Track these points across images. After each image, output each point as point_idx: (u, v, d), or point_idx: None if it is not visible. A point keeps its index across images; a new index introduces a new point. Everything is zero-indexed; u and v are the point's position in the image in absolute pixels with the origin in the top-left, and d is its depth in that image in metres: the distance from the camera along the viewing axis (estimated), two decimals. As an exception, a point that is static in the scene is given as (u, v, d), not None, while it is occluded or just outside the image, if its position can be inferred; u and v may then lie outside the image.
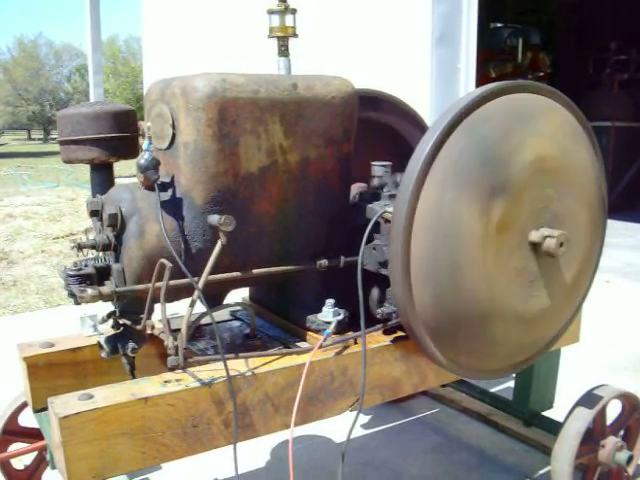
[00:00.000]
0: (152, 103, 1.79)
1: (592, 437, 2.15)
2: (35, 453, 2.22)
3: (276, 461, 2.63)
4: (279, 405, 1.66)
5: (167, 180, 1.72)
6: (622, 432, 2.28)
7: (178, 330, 1.60)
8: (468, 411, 2.84)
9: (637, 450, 2.30)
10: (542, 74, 10.21)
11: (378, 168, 1.97)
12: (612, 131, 8.54)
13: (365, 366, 1.71)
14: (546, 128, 1.73)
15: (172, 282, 1.59)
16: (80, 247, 1.69)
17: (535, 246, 1.69)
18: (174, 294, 1.69)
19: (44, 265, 6.28)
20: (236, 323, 2.11)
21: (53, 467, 2.11)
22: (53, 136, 39.23)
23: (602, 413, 2.16)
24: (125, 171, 8.43)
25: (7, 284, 5.60)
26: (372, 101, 2.19)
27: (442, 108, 1.69)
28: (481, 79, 5.22)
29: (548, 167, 1.70)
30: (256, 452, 2.62)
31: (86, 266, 1.69)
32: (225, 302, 1.97)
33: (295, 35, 1.96)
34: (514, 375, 2.59)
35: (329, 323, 1.81)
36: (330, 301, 1.84)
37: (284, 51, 1.95)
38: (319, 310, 1.85)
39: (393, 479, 2.54)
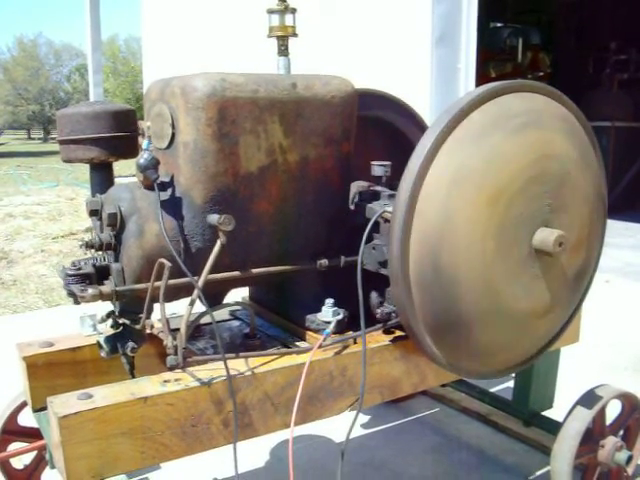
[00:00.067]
0: (152, 103, 1.79)
1: (592, 437, 2.15)
2: (34, 452, 2.21)
3: (276, 461, 2.63)
4: (279, 405, 1.66)
5: (167, 180, 1.72)
6: (622, 432, 2.28)
7: (177, 330, 1.60)
8: (468, 411, 2.84)
9: (637, 450, 2.30)
10: (542, 74, 10.22)
11: (378, 168, 1.97)
12: (612, 131, 8.54)
13: (365, 366, 1.71)
14: (547, 128, 1.73)
15: (171, 281, 1.59)
16: (88, 246, 1.69)
17: (535, 246, 1.69)
18: (173, 294, 1.69)
19: (44, 265, 6.28)
20: (235, 323, 2.11)
21: (52, 467, 2.10)
22: (53, 136, 39.22)
23: (602, 413, 2.16)
24: (125, 171, 8.43)
25: (7, 284, 5.60)
26: (372, 101, 2.19)
27: (442, 108, 1.69)
28: (481, 79, 5.21)
29: (549, 167, 1.70)
30: (255, 452, 2.62)
31: (85, 265, 1.69)
32: (224, 302, 1.97)
33: (295, 35, 1.96)
34: (514, 375, 2.59)
35: (329, 323, 1.81)
36: (330, 301, 1.84)
37: (284, 50, 1.95)
38: (319, 310, 1.85)
39: (393, 479, 2.54)
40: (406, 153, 1.68)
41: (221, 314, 2.13)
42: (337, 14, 6.45)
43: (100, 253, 1.73)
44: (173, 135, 1.70)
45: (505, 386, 3.13)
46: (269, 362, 1.67)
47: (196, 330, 1.95)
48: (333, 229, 1.93)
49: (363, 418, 2.99)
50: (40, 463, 2.23)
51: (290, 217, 1.84)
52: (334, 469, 1.70)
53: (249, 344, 1.85)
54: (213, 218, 1.65)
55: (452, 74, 5.63)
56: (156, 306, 1.65)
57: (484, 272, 1.63)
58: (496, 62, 9.94)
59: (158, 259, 1.58)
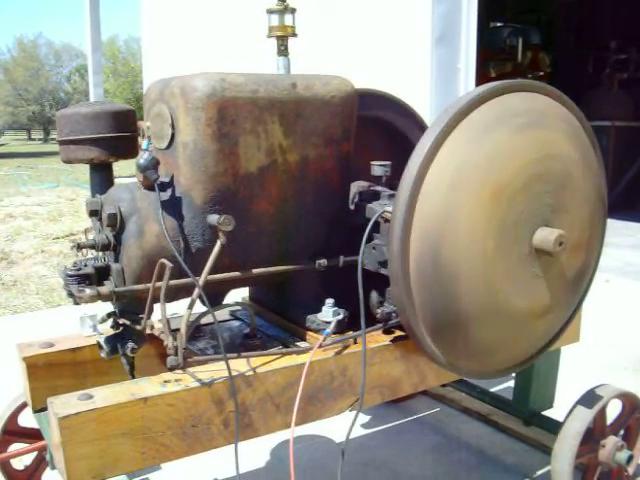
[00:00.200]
0: (151, 103, 1.79)
1: (592, 437, 2.15)
2: (35, 453, 2.21)
3: (276, 461, 2.63)
4: (279, 405, 1.66)
5: (166, 180, 1.72)
6: (622, 432, 2.28)
7: (178, 330, 1.60)
8: (468, 411, 2.84)
9: (637, 450, 2.29)
10: (542, 73, 10.22)
11: (378, 168, 1.97)
12: (612, 131, 8.54)
13: (365, 366, 1.71)
14: (547, 128, 1.73)
15: (172, 282, 1.59)
16: (80, 247, 1.69)
17: (535, 245, 1.69)
18: (173, 294, 1.69)
19: (44, 265, 6.28)
20: (236, 323, 2.11)
21: (53, 467, 2.10)
22: (53, 136, 39.25)
23: (602, 413, 2.16)
24: (125, 171, 8.44)
25: (7, 284, 5.60)
26: (372, 101, 2.19)
27: (442, 107, 1.69)
28: (481, 79, 5.21)
29: (550, 166, 1.70)
30: (256, 452, 2.62)
31: (85, 266, 1.69)
32: (225, 302, 1.97)
33: (294, 34, 1.96)
34: (514, 375, 2.59)
35: (329, 323, 1.81)
36: (330, 301, 1.84)
37: (283, 50, 1.95)
38: (319, 310, 1.85)
39: (393, 479, 2.54)
40: (406, 153, 1.68)
41: (221, 314, 2.13)
42: (337, 14, 6.45)
43: (100, 254, 1.73)
44: (173, 135, 1.70)
45: (505, 386, 3.13)
46: (269, 362, 1.67)
47: (196, 330, 1.95)
48: (333, 229, 1.93)
49: (363, 418, 2.99)
50: (40, 464, 2.23)
51: (290, 217, 1.84)
52: (334, 469, 1.70)
53: (249, 344, 1.85)
54: (213, 218, 1.65)
55: (452, 74, 5.63)
56: (156, 306, 1.65)
57: (484, 272, 1.63)
58: (496, 62, 9.95)
59: (158, 259, 1.58)
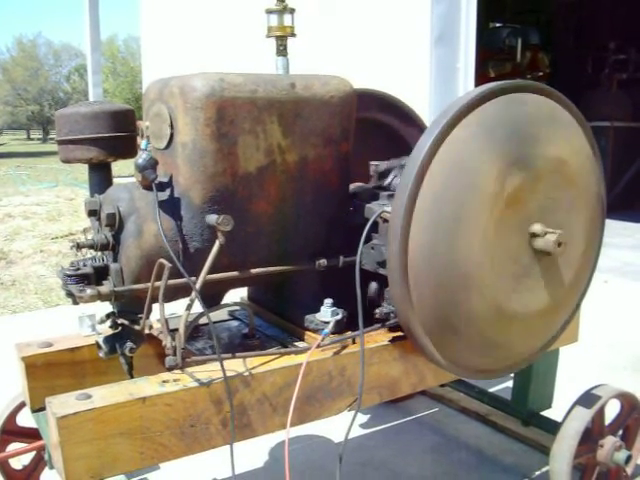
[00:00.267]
0: (150, 103, 1.79)
1: (591, 437, 2.15)
2: (33, 453, 2.21)
3: (274, 461, 2.63)
4: (277, 405, 1.66)
5: (165, 180, 1.72)
6: (621, 432, 2.28)
7: (176, 330, 1.60)
8: (467, 411, 2.84)
9: (636, 450, 2.30)
10: (541, 74, 10.21)
11: (378, 165, 1.97)
12: (611, 131, 8.54)
13: (363, 366, 1.71)
14: (546, 128, 1.73)
15: (170, 282, 1.59)
16: (79, 247, 1.69)
17: (534, 245, 1.69)
18: (172, 294, 1.69)
19: (43, 265, 6.28)
20: (234, 323, 2.11)
21: (51, 467, 2.10)
22: (52, 136, 39.23)
23: (601, 413, 2.16)
24: (124, 171, 8.44)
25: (6, 284, 5.60)
26: (371, 101, 2.19)
27: (441, 108, 1.69)
28: (480, 79, 5.22)
29: (550, 167, 1.70)
30: (254, 452, 2.62)
31: (84, 266, 1.69)
32: (223, 302, 1.97)
33: (293, 35, 1.96)
34: (512, 375, 2.59)
35: (327, 323, 1.81)
36: (328, 301, 1.84)
37: (282, 50, 1.95)
38: (317, 310, 1.85)
39: (392, 479, 2.54)
40: (405, 153, 1.68)
41: (220, 314, 2.13)
42: (336, 14, 6.45)
43: (98, 253, 1.73)
44: (172, 135, 1.70)
45: (504, 386, 3.13)
46: (267, 362, 1.67)
47: (195, 330, 1.95)
48: (332, 229, 1.93)
49: (362, 418, 2.99)
50: (39, 463, 2.23)
51: (289, 217, 1.84)
52: (333, 469, 1.70)
53: (248, 344, 1.85)
54: (212, 218, 1.65)
55: (451, 74, 5.63)
56: (155, 306, 1.65)
57: (483, 272, 1.63)
58: (495, 62, 9.94)
59: (157, 259, 1.58)
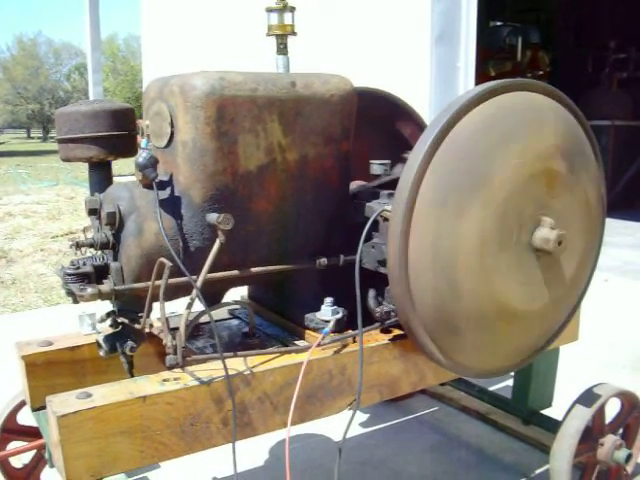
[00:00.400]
0: (150, 101, 1.79)
1: (591, 435, 2.15)
2: (34, 451, 2.21)
3: (275, 460, 2.63)
4: (278, 404, 1.66)
5: (165, 178, 1.72)
6: (621, 430, 2.28)
7: (177, 329, 1.60)
8: (467, 410, 2.84)
9: (636, 448, 2.30)
10: (541, 73, 10.22)
11: (377, 166, 1.97)
12: (611, 130, 8.54)
13: (363, 365, 1.70)
14: (547, 127, 1.73)
15: (171, 281, 1.59)
16: (79, 245, 1.69)
17: (534, 244, 1.69)
18: (172, 293, 1.69)
19: (43, 264, 6.28)
20: (235, 322, 2.11)
21: (51, 465, 2.10)
22: (52, 135, 39.26)
23: (601, 411, 2.16)
24: (125, 170, 8.45)
25: (6, 283, 5.60)
26: (371, 99, 2.19)
27: (441, 106, 1.69)
28: (480, 78, 5.22)
29: (550, 166, 1.70)
30: (255, 451, 2.62)
31: (84, 265, 1.69)
32: (224, 301, 1.97)
33: (294, 33, 1.95)
34: (513, 373, 2.59)
35: (328, 322, 1.81)
36: (329, 299, 1.84)
37: (283, 49, 1.95)
38: (318, 308, 1.85)
39: (392, 478, 2.54)
40: (405, 152, 1.68)
41: (220, 313, 2.13)
42: (336, 12, 6.45)
43: (98, 252, 1.73)
44: (172, 134, 1.70)
45: (504, 385, 3.14)
46: (268, 361, 1.67)
47: (195, 329, 1.95)
48: (332, 228, 1.93)
49: (362, 417, 2.99)
50: (39, 462, 2.23)
51: (289, 216, 1.84)
52: (332, 468, 1.70)
53: (248, 343, 1.85)
54: (212, 217, 1.65)
55: (451, 73, 5.63)
56: (155, 305, 1.65)
57: (483, 271, 1.63)
58: (495, 61, 9.95)
59: (157, 258, 1.58)
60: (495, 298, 1.67)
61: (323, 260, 1.86)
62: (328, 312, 1.83)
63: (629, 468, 2.24)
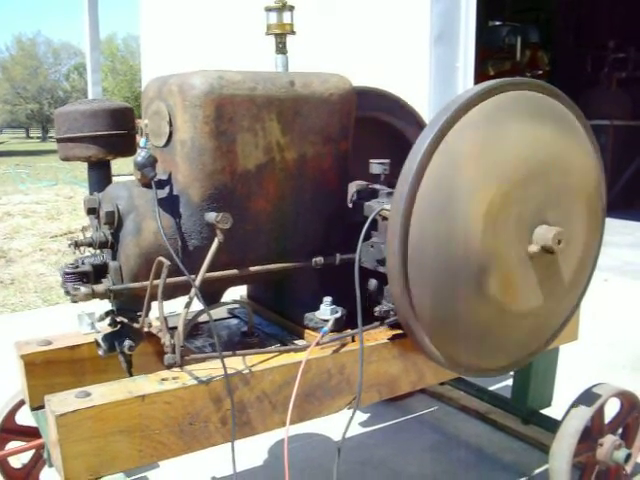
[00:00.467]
0: (149, 100, 1.78)
1: (590, 435, 2.15)
2: (32, 451, 2.21)
3: (273, 459, 2.63)
4: (276, 403, 1.66)
5: (164, 178, 1.72)
6: (620, 430, 2.28)
7: (175, 328, 1.60)
8: (466, 409, 2.84)
9: (635, 448, 2.30)
10: (540, 72, 10.23)
11: (376, 166, 1.96)
12: (611, 130, 8.55)
13: (362, 364, 1.70)
14: (546, 126, 1.73)
15: (169, 280, 1.59)
16: (77, 245, 1.69)
17: (534, 243, 1.68)
18: (171, 292, 1.69)
19: (42, 263, 6.28)
20: (234, 321, 2.11)
21: (50, 465, 2.10)
22: (51, 134, 39.27)
23: (600, 411, 2.16)
24: (124, 169, 8.44)
25: (5, 282, 5.60)
26: (370, 98, 2.19)
27: (440, 106, 1.69)
28: (479, 77, 5.21)
29: (550, 165, 1.70)
30: (254, 450, 2.62)
31: (83, 264, 1.69)
32: (223, 300, 1.97)
33: (293, 32, 1.95)
34: (512, 373, 2.59)
35: (327, 321, 1.81)
36: (328, 299, 1.84)
37: (281, 48, 1.95)
38: (317, 308, 1.85)
39: (392, 478, 2.54)
40: (404, 152, 1.67)
41: (219, 312, 2.13)
42: (336, 12, 6.45)
43: (97, 251, 1.73)
44: (171, 133, 1.70)
45: (504, 384, 3.14)
46: (267, 360, 1.67)
47: (194, 328, 1.95)
48: (331, 227, 1.93)
49: (362, 416, 2.99)
50: (38, 461, 2.23)
51: (288, 215, 1.83)
52: (331, 467, 1.70)
53: (247, 342, 1.85)
54: (211, 216, 1.65)
55: (451, 72, 5.63)
56: (154, 304, 1.65)
57: (483, 270, 1.62)
58: (495, 60, 9.96)
59: (156, 257, 1.58)
60: (495, 297, 1.66)
61: (319, 259, 1.86)
62: (327, 311, 1.83)
63: (628, 468, 2.24)
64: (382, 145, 2.23)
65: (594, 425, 2.16)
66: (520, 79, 1.77)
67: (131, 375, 1.75)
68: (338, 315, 1.83)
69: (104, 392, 1.48)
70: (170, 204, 1.69)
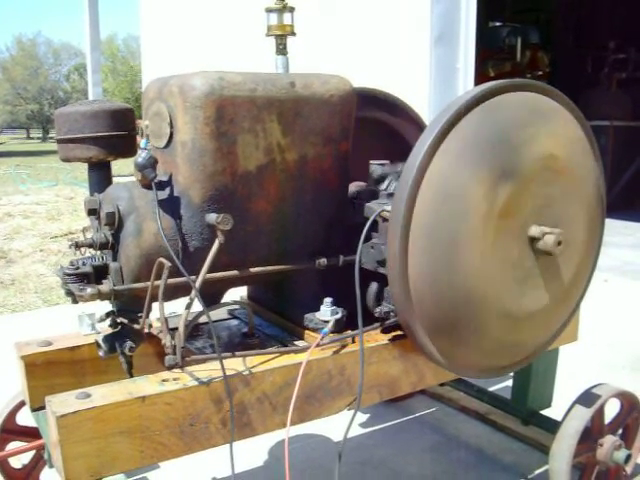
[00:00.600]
0: (150, 101, 1.79)
1: (590, 436, 2.15)
2: (33, 452, 2.21)
3: (274, 460, 2.63)
4: (277, 404, 1.66)
5: (165, 179, 1.72)
6: (620, 431, 2.28)
7: (176, 329, 1.60)
8: (466, 410, 2.84)
9: (635, 449, 2.30)
10: (541, 73, 10.23)
11: (376, 167, 1.97)
12: (611, 130, 8.54)
13: (363, 365, 1.70)
14: (546, 127, 1.73)
15: (170, 281, 1.59)
16: (78, 246, 1.69)
17: (534, 243, 1.69)
18: (171, 293, 1.69)
19: (42, 264, 6.28)
20: (234, 322, 2.11)
21: (51, 466, 2.10)
22: (52, 135, 39.27)
23: (600, 412, 2.16)
24: (124, 170, 8.45)
25: (5, 283, 5.60)
26: (370, 100, 2.19)
27: (441, 107, 1.69)
28: (480, 78, 5.22)
29: (553, 165, 1.70)
30: (255, 451, 2.62)
31: (84, 265, 1.69)
32: (223, 301, 1.97)
33: (293, 33, 1.95)
34: (512, 374, 2.59)
35: (327, 322, 1.81)
36: (328, 300, 1.84)
37: (282, 49, 1.95)
38: (317, 309, 1.85)
39: (392, 478, 2.54)
40: (405, 153, 1.67)
41: (219, 313, 2.13)
42: (336, 13, 6.45)
43: (98, 252, 1.73)
44: (171, 134, 1.70)
45: (504, 385, 3.14)
46: (267, 361, 1.67)
47: (195, 329, 1.95)
48: (332, 228, 1.93)
49: (362, 417, 2.99)
50: (39, 462, 2.23)
51: (288, 216, 1.84)
52: (332, 468, 1.70)
53: (247, 343, 1.85)
54: (211, 217, 1.65)
55: (451, 73, 5.63)
56: (155, 305, 1.65)
57: (483, 271, 1.63)
58: (495, 61, 9.95)
59: (156, 258, 1.58)
60: (495, 298, 1.67)
61: (323, 260, 1.86)
62: (327, 312, 1.83)
63: (628, 468, 2.24)
64: (382, 146, 2.23)
65: (594, 426, 2.16)
66: (520, 80, 1.77)
67: (132, 376, 1.75)
68: (338, 316, 1.83)
69: (105, 393, 1.48)
70: (171, 205, 1.69)
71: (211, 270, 1.66)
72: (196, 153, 1.66)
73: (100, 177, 1.84)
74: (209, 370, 1.59)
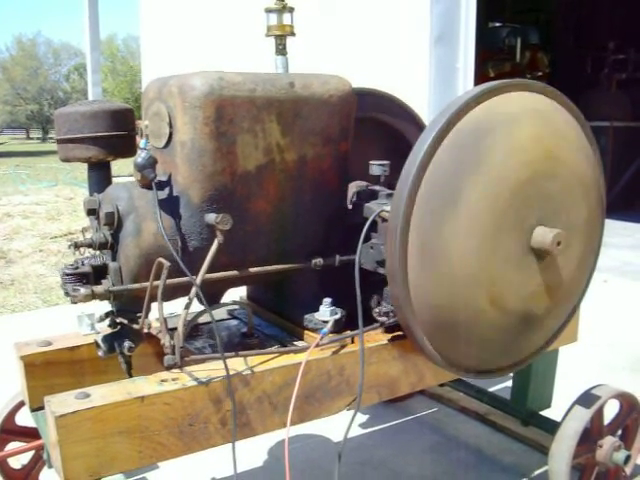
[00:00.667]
0: (149, 101, 1.79)
1: (590, 437, 2.15)
2: (32, 452, 2.21)
3: (274, 460, 2.63)
4: (276, 404, 1.66)
5: (164, 179, 1.72)
6: (620, 432, 2.28)
7: (175, 329, 1.60)
8: (466, 410, 2.84)
9: (635, 450, 2.30)
10: (540, 73, 10.22)
11: (376, 167, 1.96)
12: (610, 131, 8.54)
13: (363, 365, 1.70)
14: (546, 127, 1.73)
15: (169, 281, 1.59)
16: (77, 246, 1.69)
17: (533, 245, 1.68)
18: (171, 293, 1.69)
19: (42, 264, 6.28)
20: (233, 322, 2.11)
21: (50, 466, 2.10)
22: (51, 135, 39.25)
23: (600, 413, 2.16)
24: (124, 170, 8.45)
25: (5, 283, 5.60)
26: (370, 100, 2.19)
27: (440, 107, 1.69)
28: (479, 79, 5.21)
29: (549, 166, 1.70)
30: (253, 451, 2.62)
31: (83, 265, 1.69)
32: (222, 301, 1.97)
33: (293, 34, 1.96)
34: (512, 374, 2.59)
35: (326, 322, 1.81)
36: (327, 300, 1.84)
37: (282, 50, 1.95)
38: (316, 309, 1.85)
39: (392, 478, 2.54)
40: (405, 153, 1.67)
41: (219, 313, 2.13)
42: (336, 13, 6.44)
43: (97, 252, 1.73)
44: (171, 134, 1.70)
45: (503, 385, 3.13)
46: (267, 361, 1.67)
47: (194, 329, 1.95)
48: (331, 228, 1.93)
49: (361, 417, 2.99)
50: (38, 462, 2.23)
51: (288, 216, 1.84)
52: (331, 468, 1.70)
53: (247, 343, 1.85)
54: (211, 217, 1.65)
55: (451, 74, 5.63)
56: (154, 305, 1.65)
57: (482, 271, 1.63)
58: (495, 62, 9.95)
59: (156, 258, 1.58)
60: (494, 299, 1.67)
61: (319, 260, 1.86)
62: (327, 312, 1.83)
63: (628, 469, 2.24)
64: (382, 146, 2.23)
65: (593, 426, 2.16)
66: (520, 80, 1.77)
67: (131, 376, 1.75)
68: (338, 316, 1.83)
69: (104, 393, 1.48)
70: (170, 205, 1.69)
71: (210, 270, 1.66)
72: (195, 153, 1.66)
73: (100, 177, 1.84)
74: (208, 370, 1.59)
